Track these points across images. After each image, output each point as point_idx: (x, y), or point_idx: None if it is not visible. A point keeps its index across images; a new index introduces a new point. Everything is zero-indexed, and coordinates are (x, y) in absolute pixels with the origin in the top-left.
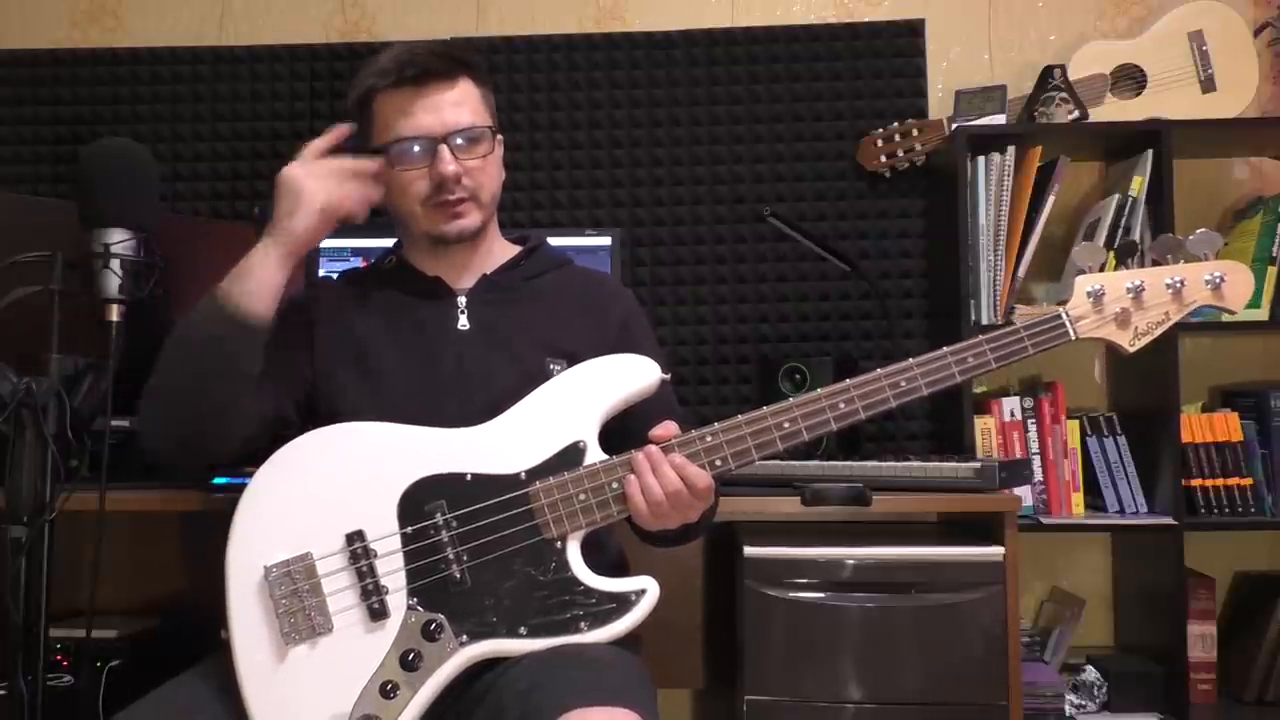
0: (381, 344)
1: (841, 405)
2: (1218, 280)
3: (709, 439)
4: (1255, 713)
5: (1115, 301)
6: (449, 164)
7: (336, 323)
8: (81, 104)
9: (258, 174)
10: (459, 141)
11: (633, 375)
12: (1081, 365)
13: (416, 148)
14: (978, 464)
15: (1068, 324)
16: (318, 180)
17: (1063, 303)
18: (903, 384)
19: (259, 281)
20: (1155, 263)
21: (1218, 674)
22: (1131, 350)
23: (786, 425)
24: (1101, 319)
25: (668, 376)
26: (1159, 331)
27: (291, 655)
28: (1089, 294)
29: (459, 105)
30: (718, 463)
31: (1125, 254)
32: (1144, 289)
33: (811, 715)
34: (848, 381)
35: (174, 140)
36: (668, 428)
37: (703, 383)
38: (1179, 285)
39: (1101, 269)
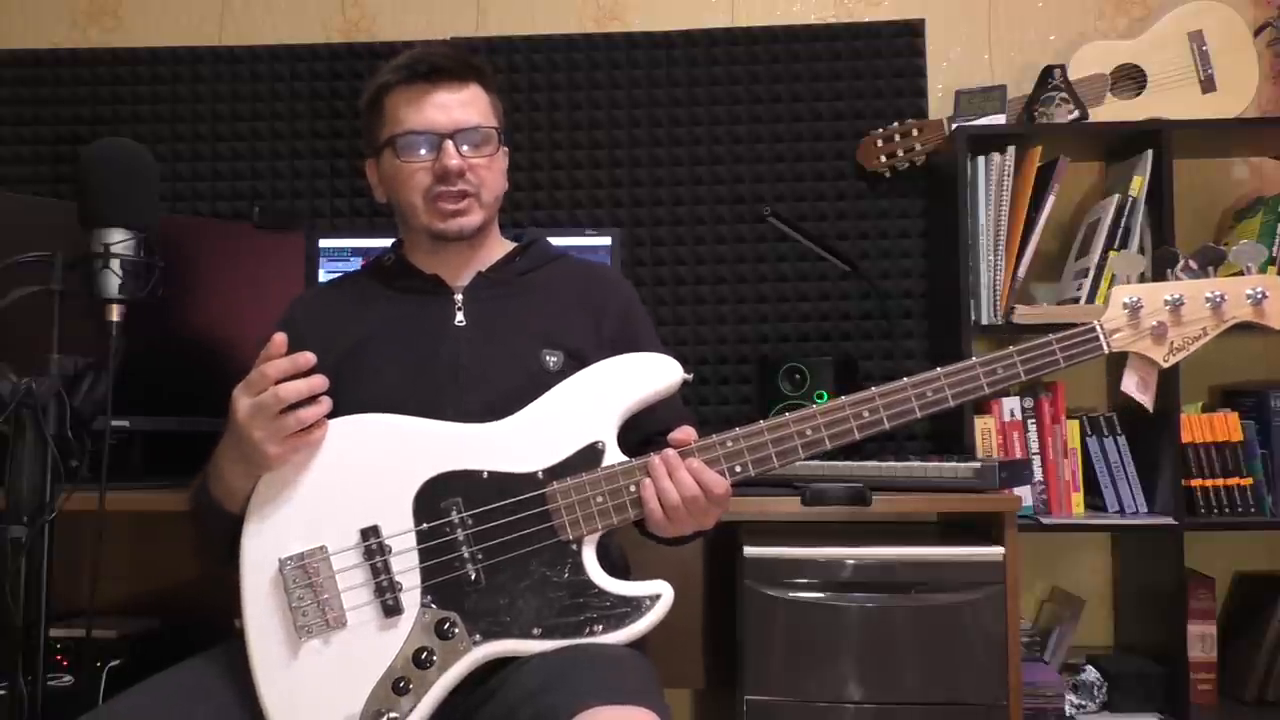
0: (377, 341)
1: (866, 414)
2: (1260, 296)
3: (729, 444)
4: (1255, 713)
5: (1152, 315)
6: (453, 157)
7: (322, 331)
8: (81, 104)
9: (258, 174)
10: (465, 141)
11: (654, 375)
12: (1082, 365)
13: (422, 141)
14: (978, 464)
15: (1101, 337)
16: (278, 446)
17: (1065, 302)
18: (929, 394)
19: (239, 493)
20: (1194, 273)
21: (1218, 674)
22: (1165, 365)
23: (809, 433)
24: (1137, 333)
25: (690, 377)
26: (1194, 347)
27: (305, 649)
28: (1126, 305)
29: (468, 105)
30: (737, 469)
31: (1166, 263)
32: (1183, 303)
33: (811, 715)
34: (873, 390)
35: (174, 140)
36: (686, 432)
37: (703, 383)
38: (1220, 300)
39: (1141, 279)
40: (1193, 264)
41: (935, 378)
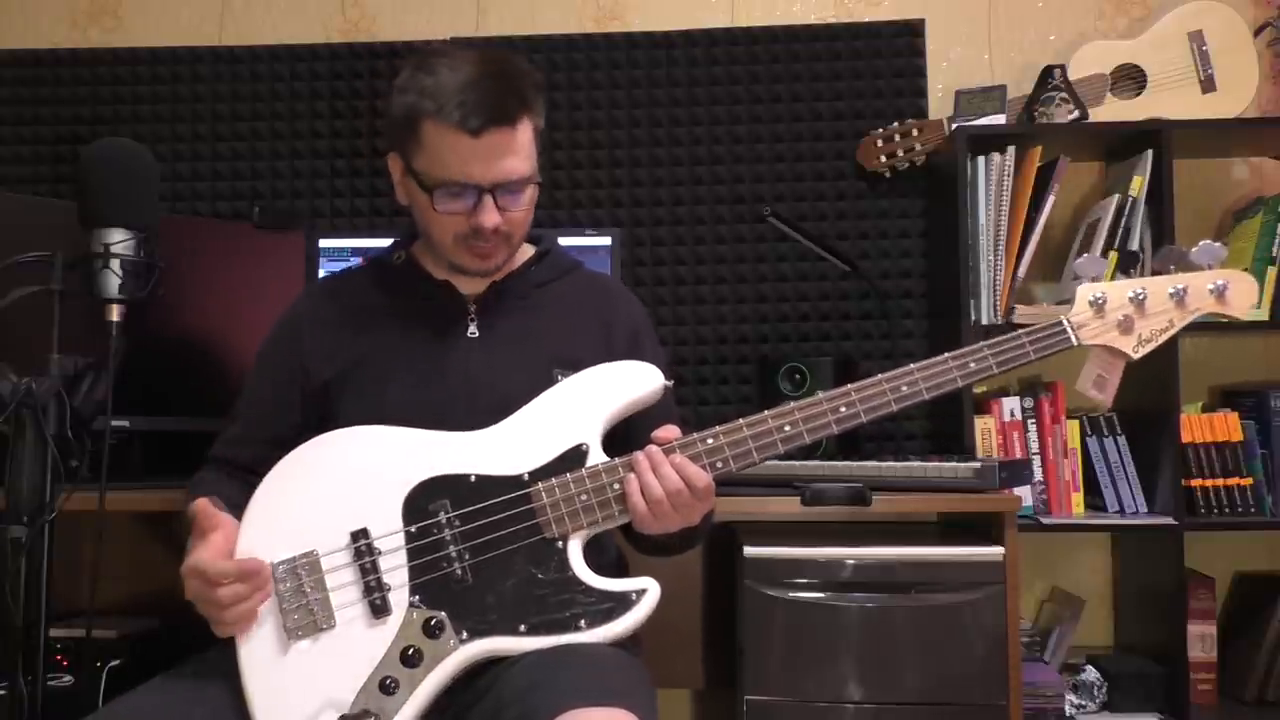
0: (386, 351)
1: (843, 409)
2: (1221, 288)
3: (710, 441)
4: (1255, 713)
5: (1117, 309)
6: (491, 216)
7: (330, 331)
8: (81, 104)
9: (258, 174)
10: (504, 192)
11: (636, 382)
12: (1082, 366)
13: (461, 194)
14: (978, 464)
15: (1069, 330)
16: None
17: (1064, 302)
18: (904, 389)
19: None
20: (1157, 272)
21: (1218, 674)
22: (1136, 356)
23: (788, 428)
24: (1104, 326)
25: (670, 384)
26: (1163, 338)
27: (294, 649)
28: (1091, 302)
29: (513, 155)
30: (719, 464)
31: (1127, 264)
32: (1146, 297)
33: (811, 715)
34: (849, 386)
35: (174, 140)
36: (669, 430)
37: (703, 383)
38: (1182, 293)
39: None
40: (1155, 265)
41: (909, 372)
